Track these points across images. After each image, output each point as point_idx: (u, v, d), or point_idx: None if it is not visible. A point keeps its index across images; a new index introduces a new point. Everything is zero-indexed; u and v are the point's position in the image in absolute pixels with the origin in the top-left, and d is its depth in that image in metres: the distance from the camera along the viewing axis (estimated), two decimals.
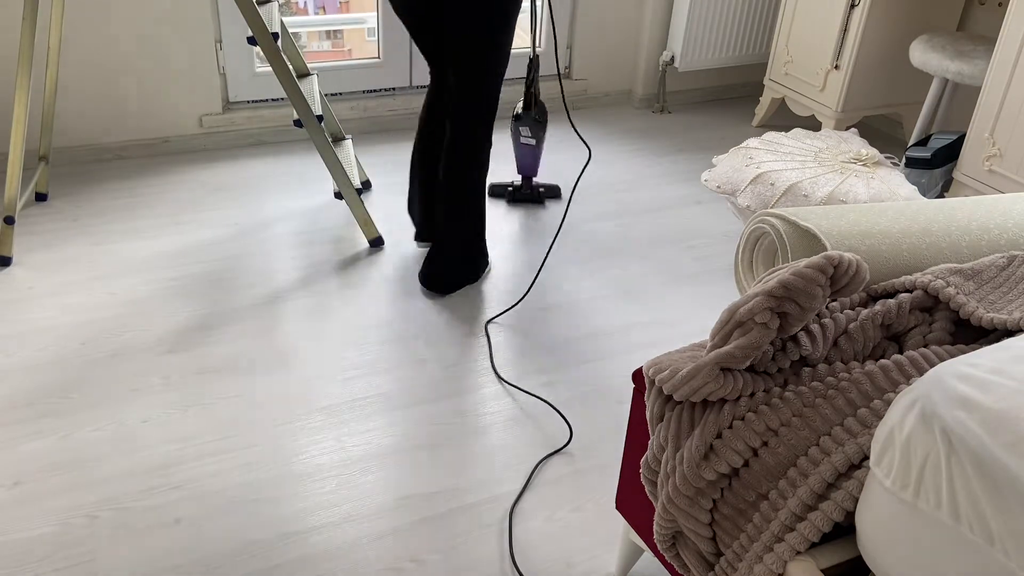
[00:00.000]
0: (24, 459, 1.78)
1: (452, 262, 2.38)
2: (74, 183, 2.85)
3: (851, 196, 2.21)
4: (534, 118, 2.75)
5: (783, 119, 3.64)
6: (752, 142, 2.51)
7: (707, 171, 2.53)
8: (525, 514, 1.72)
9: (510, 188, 2.90)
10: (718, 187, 2.41)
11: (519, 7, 2.18)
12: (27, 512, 1.66)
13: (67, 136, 2.93)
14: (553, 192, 2.93)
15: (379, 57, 3.28)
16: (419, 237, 2.56)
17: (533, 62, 2.70)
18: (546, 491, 1.78)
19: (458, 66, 2.20)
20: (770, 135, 2.57)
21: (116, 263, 2.44)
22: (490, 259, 2.55)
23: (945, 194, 2.86)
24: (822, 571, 0.95)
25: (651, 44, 3.60)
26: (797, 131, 2.62)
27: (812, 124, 3.56)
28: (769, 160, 2.40)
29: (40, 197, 2.74)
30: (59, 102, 2.87)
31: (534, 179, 2.89)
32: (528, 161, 2.84)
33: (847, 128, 3.30)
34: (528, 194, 2.89)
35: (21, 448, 1.81)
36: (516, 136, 2.80)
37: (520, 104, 2.78)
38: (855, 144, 2.52)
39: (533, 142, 2.78)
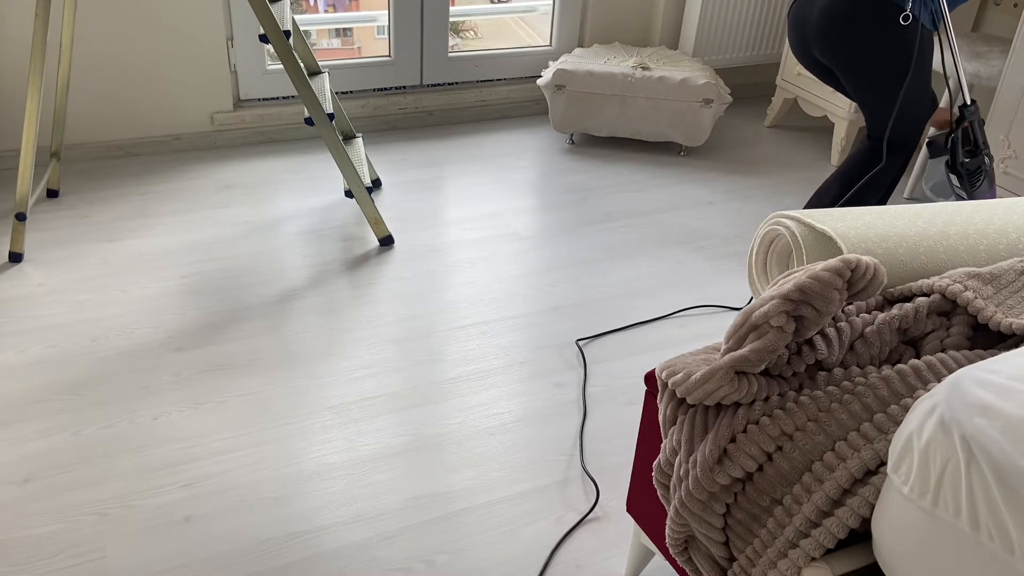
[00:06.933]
0: (34, 456, 1.78)
1: None
2: (85, 180, 2.86)
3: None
4: (962, 167, 2.06)
5: (795, 119, 3.62)
6: (567, 58, 3.27)
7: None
8: (534, 515, 1.71)
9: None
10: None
11: (909, 53, 2.07)
12: (37, 509, 1.66)
13: (78, 133, 2.93)
14: None
15: (390, 55, 3.28)
16: None
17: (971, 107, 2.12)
18: (555, 493, 1.77)
19: (863, 109, 2.29)
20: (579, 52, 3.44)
21: (127, 260, 2.45)
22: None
23: None
24: None
25: (663, 43, 3.58)
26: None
27: (825, 124, 3.54)
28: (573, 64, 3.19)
29: (52, 194, 2.74)
30: (71, 99, 2.87)
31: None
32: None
33: (859, 129, 3.28)
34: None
35: (31, 445, 1.81)
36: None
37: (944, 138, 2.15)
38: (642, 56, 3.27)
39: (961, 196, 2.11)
